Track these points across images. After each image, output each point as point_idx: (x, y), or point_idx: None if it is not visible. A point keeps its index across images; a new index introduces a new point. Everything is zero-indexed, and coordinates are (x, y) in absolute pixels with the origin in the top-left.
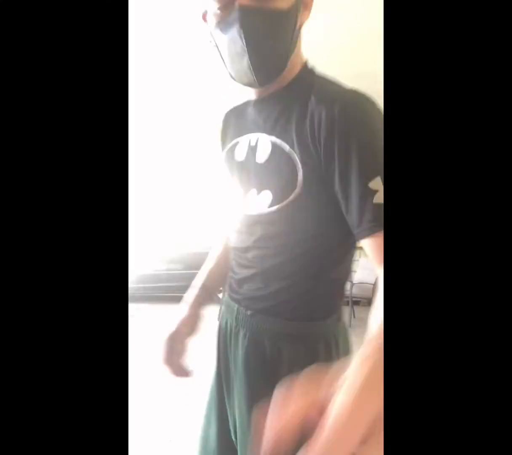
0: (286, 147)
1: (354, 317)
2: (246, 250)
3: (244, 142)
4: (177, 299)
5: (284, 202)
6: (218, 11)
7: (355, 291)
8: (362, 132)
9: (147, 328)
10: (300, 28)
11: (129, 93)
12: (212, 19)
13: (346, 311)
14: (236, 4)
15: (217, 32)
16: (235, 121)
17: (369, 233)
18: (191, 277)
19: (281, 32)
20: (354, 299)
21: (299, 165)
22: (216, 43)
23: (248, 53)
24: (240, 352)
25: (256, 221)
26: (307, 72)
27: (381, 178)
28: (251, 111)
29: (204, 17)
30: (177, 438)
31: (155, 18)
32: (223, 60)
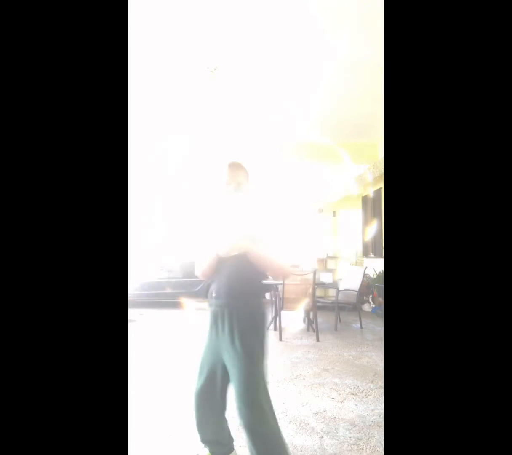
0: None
1: (340, 321)
2: (223, 271)
3: None
4: (177, 305)
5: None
6: (225, 185)
7: (340, 297)
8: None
9: (149, 330)
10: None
11: (130, 98)
12: (222, 186)
13: (332, 315)
14: (231, 185)
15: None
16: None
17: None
18: (190, 285)
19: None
20: (339, 305)
21: None
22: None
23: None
24: (223, 317)
25: (226, 259)
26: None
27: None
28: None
29: (223, 186)
30: (177, 432)
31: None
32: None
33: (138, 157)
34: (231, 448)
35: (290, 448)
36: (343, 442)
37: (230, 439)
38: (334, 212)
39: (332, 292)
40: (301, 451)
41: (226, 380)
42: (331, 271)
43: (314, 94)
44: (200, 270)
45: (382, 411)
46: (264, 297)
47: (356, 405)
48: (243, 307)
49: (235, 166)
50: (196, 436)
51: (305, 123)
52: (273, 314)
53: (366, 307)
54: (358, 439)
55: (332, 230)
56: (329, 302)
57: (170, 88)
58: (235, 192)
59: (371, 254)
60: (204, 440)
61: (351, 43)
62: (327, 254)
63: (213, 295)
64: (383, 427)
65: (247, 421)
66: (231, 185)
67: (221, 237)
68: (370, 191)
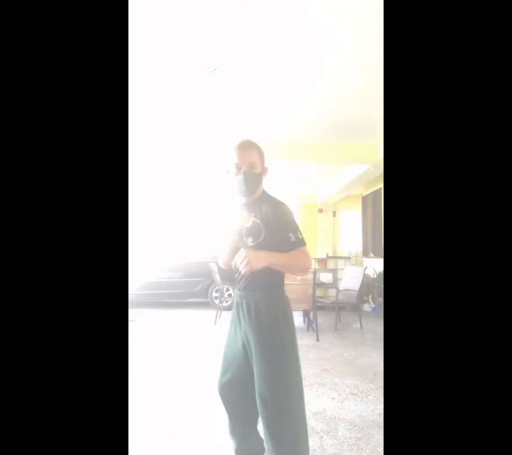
0: (258, 222)
1: (340, 321)
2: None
3: None
4: (177, 305)
5: (257, 241)
6: (235, 171)
7: (340, 297)
8: (280, 215)
9: (149, 330)
10: (262, 178)
11: (130, 98)
12: (232, 172)
13: (332, 315)
14: (242, 170)
15: (233, 175)
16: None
17: (292, 249)
18: (190, 284)
19: (255, 180)
20: (339, 305)
21: (262, 229)
22: (232, 177)
23: (244, 184)
24: (244, 307)
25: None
26: (264, 193)
27: (292, 233)
28: (243, 207)
29: (228, 172)
30: (178, 432)
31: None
32: (234, 184)
33: (137, 157)
34: (261, 450)
35: None
36: (343, 442)
37: (260, 440)
38: (334, 212)
39: (332, 292)
40: None
41: (251, 373)
42: (331, 271)
43: (314, 94)
44: (221, 260)
45: (382, 411)
46: (283, 290)
47: (356, 405)
48: (264, 299)
49: (245, 146)
50: (197, 437)
51: (305, 123)
52: None
53: (366, 307)
54: (358, 439)
55: (332, 229)
56: (329, 302)
57: (170, 88)
58: (248, 175)
59: (371, 254)
60: (238, 444)
61: (351, 43)
62: (327, 254)
63: (236, 286)
64: (383, 427)
65: (263, 420)
66: (242, 169)
67: (237, 226)
68: (370, 191)
